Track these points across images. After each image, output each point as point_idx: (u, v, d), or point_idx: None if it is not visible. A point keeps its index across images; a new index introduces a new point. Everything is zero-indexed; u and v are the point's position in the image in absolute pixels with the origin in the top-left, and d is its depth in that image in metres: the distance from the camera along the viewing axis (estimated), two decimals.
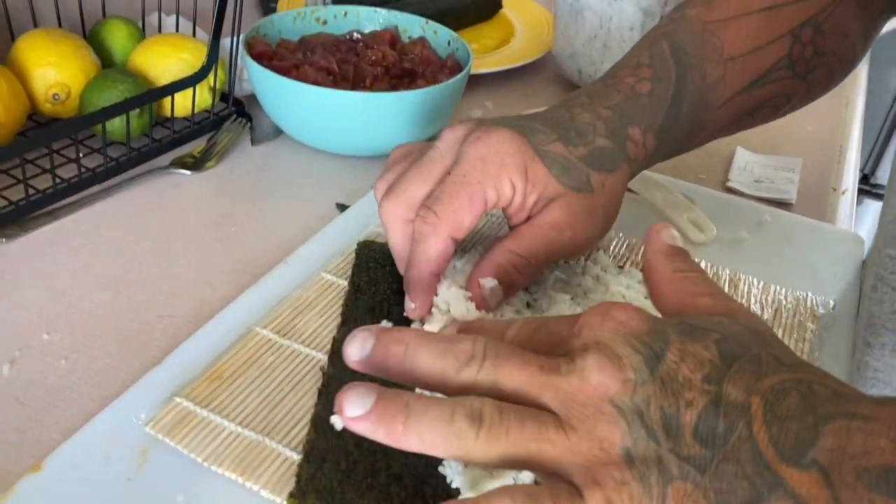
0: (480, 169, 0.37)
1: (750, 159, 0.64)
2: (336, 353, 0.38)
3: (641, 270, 0.33)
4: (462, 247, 0.44)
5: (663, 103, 0.41)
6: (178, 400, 0.35)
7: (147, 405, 0.35)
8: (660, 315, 0.31)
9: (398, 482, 0.32)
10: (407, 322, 0.39)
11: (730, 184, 0.61)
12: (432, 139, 0.41)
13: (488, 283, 0.37)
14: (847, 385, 0.26)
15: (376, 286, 0.42)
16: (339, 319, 0.41)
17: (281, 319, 0.40)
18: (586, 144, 0.39)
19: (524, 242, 0.38)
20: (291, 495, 0.31)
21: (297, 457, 0.33)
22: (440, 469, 0.32)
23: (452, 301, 0.37)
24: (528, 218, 0.38)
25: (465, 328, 0.32)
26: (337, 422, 0.27)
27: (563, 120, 0.40)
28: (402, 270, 0.40)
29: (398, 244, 0.39)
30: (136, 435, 0.34)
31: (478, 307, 0.37)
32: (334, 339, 0.39)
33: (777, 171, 0.62)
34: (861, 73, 0.88)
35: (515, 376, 0.27)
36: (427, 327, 0.38)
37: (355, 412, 0.26)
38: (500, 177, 0.37)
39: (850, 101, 0.78)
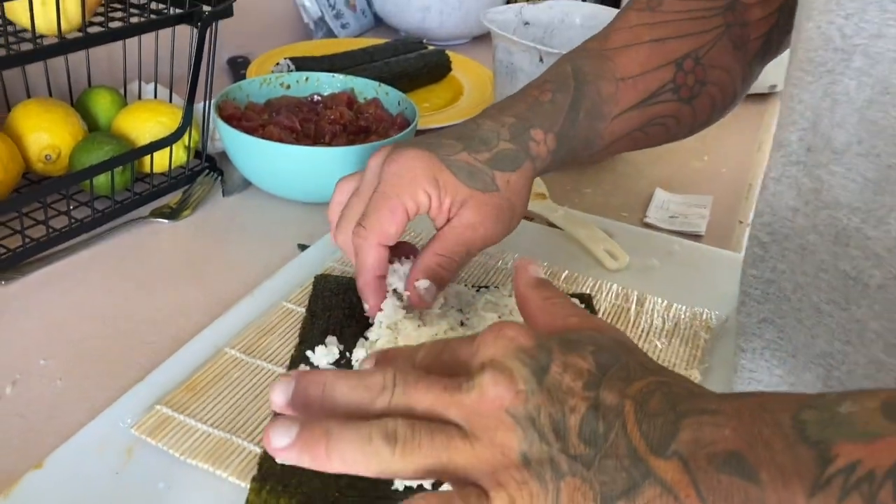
0: (396, 184, 0.44)
1: (667, 198, 0.72)
2: (292, 367, 0.45)
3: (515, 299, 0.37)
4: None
5: (562, 109, 0.48)
6: (158, 407, 0.42)
7: (132, 412, 0.41)
8: None
9: None
10: (355, 341, 0.46)
11: (647, 220, 0.69)
12: None
13: (422, 284, 0.44)
14: (698, 385, 0.30)
15: (330, 312, 0.49)
16: (297, 340, 0.48)
17: (247, 341, 0.47)
18: (490, 150, 0.46)
19: (447, 244, 0.45)
20: (254, 479, 0.38)
21: (258, 450, 0.40)
22: None
23: (388, 310, 0.44)
24: (449, 220, 0.45)
25: (381, 357, 0.35)
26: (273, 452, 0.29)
27: (469, 131, 0.47)
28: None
29: (353, 261, 0.46)
30: (123, 437, 0.40)
31: (416, 305, 0.45)
32: (292, 356, 0.46)
33: (690, 208, 0.71)
34: (774, 118, 0.97)
35: (424, 399, 0.30)
36: (368, 334, 0.45)
37: (281, 443, 0.29)
38: (414, 188, 0.44)
39: (761, 144, 0.88)
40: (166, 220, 0.62)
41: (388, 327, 0.45)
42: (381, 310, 0.45)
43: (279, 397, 0.31)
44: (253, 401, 0.43)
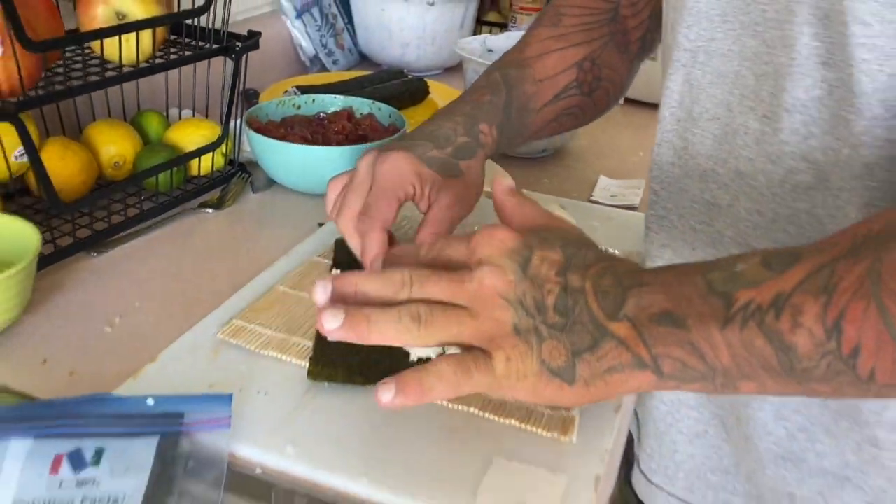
0: (389, 179, 0.55)
1: (608, 182, 0.90)
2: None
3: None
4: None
5: (499, 108, 0.63)
6: (234, 321, 0.57)
7: (215, 325, 0.57)
8: None
9: (372, 348, 0.54)
10: None
11: (592, 198, 0.86)
12: None
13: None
14: (636, 264, 0.42)
15: (350, 258, 0.66)
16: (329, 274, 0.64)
17: (290, 280, 0.63)
18: (452, 144, 0.58)
19: (435, 223, 0.57)
20: (311, 359, 0.53)
21: (310, 343, 0.56)
22: None
23: None
24: (430, 204, 0.58)
25: (389, 258, 0.48)
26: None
27: (433, 132, 0.59)
28: (360, 258, 0.58)
29: (355, 243, 0.57)
30: (211, 341, 0.56)
31: None
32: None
33: (627, 189, 0.88)
34: None
35: (436, 289, 0.40)
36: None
37: (333, 325, 0.40)
38: (402, 182, 0.55)
39: None
40: (211, 210, 0.78)
41: None
42: None
43: (321, 296, 0.41)
44: (302, 315, 0.59)
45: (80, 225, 0.70)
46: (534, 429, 0.49)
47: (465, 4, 1.23)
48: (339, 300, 0.42)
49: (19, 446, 0.45)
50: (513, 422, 0.49)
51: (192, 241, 0.74)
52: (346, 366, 0.53)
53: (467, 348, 0.40)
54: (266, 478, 0.46)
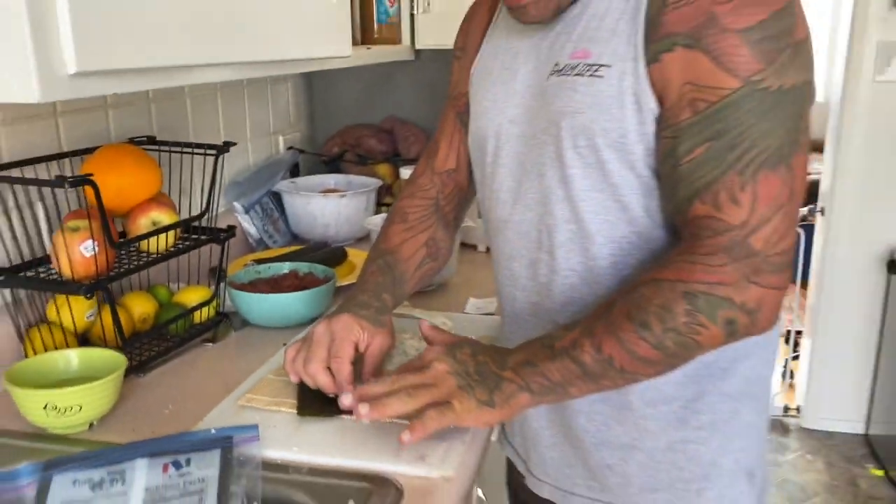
0: (344, 331, 0.87)
1: (475, 301, 1.34)
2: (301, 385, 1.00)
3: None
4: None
5: (389, 284, 1.00)
6: (247, 395, 0.95)
7: (233, 400, 0.95)
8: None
9: (327, 397, 0.92)
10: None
11: (465, 311, 1.30)
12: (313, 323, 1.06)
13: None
14: (508, 348, 0.80)
15: (311, 395, 1.05)
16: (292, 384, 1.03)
17: (274, 373, 1.02)
18: (374, 307, 0.92)
19: (372, 359, 0.95)
20: (297, 407, 0.92)
21: (293, 401, 0.94)
22: None
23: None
24: (368, 345, 0.91)
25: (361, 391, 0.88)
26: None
27: (359, 301, 0.92)
28: (328, 388, 0.91)
29: (326, 380, 0.91)
30: (234, 407, 0.93)
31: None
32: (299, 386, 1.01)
33: (487, 303, 1.32)
34: None
35: (414, 379, 0.78)
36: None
37: (364, 410, 0.77)
38: (351, 333, 0.88)
39: None
40: (209, 344, 1.17)
41: None
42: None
43: (348, 399, 0.81)
44: (284, 389, 0.97)
45: (132, 357, 1.07)
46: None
47: (367, 195, 1.70)
48: (360, 399, 0.80)
49: (142, 461, 0.81)
50: None
51: (201, 362, 1.12)
52: (317, 407, 0.92)
53: (436, 404, 0.78)
54: (283, 464, 0.84)
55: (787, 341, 3.17)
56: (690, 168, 0.73)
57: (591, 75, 0.78)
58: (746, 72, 0.70)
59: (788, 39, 0.71)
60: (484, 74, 0.93)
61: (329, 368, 0.88)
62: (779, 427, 2.93)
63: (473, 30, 1.00)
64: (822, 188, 2.75)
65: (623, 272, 0.82)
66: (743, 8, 0.70)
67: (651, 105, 0.75)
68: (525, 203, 0.87)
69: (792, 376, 3.05)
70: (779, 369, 3.12)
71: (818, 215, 2.75)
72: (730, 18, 0.70)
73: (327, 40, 1.19)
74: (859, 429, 2.82)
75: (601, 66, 0.77)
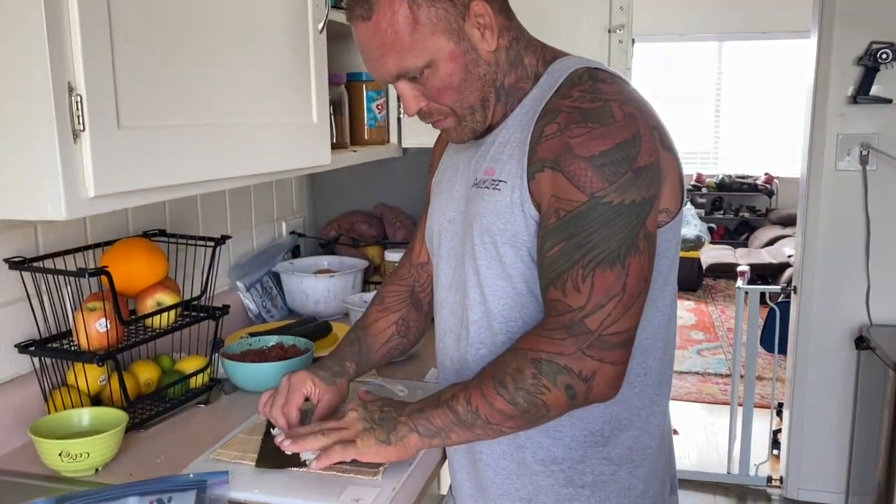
0: (297, 385, 1.13)
1: (436, 371, 1.54)
2: (264, 439, 1.20)
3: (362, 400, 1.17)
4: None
5: (355, 353, 1.24)
6: (218, 450, 1.16)
7: (209, 453, 1.16)
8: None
9: (286, 455, 1.13)
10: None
11: (425, 380, 1.50)
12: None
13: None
14: (410, 402, 1.07)
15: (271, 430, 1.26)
16: (260, 438, 1.24)
17: (245, 431, 1.23)
18: (330, 371, 1.19)
19: (321, 408, 1.18)
20: (257, 460, 1.12)
21: (255, 455, 1.15)
22: None
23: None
24: (319, 400, 1.18)
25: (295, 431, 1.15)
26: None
27: (323, 364, 1.17)
28: (281, 425, 1.18)
29: (282, 422, 1.16)
30: (209, 460, 1.14)
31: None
32: (262, 438, 1.22)
33: None
34: None
35: (331, 424, 1.02)
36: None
37: (288, 443, 1.03)
38: (303, 386, 1.13)
39: None
40: (203, 405, 1.38)
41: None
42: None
43: (280, 438, 1.05)
44: (250, 443, 1.18)
45: (135, 415, 1.29)
46: (359, 476, 1.08)
47: (354, 275, 1.93)
48: (289, 437, 1.04)
49: (133, 499, 1.02)
50: (351, 475, 1.08)
51: (193, 421, 1.33)
52: (273, 460, 1.12)
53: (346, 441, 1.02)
54: (247, 502, 1.04)
55: (778, 413, 3.30)
56: (550, 261, 0.92)
57: (493, 189, 1.00)
58: (591, 189, 0.89)
59: (630, 165, 0.89)
60: (437, 183, 1.18)
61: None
62: (762, 497, 3.03)
63: (437, 150, 1.26)
64: (794, 268, 2.93)
65: None
66: (591, 140, 0.90)
67: (532, 212, 0.97)
68: (454, 287, 1.10)
69: (778, 447, 3.17)
70: (765, 440, 3.24)
71: (792, 293, 2.91)
72: (580, 148, 0.90)
73: (312, 152, 1.43)
74: (840, 500, 2.91)
75: (500, 181, 1.00)
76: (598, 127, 0.90)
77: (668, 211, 0.98)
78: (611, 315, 0.90)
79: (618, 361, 0.92)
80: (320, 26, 1.36)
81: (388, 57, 0.98)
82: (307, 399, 1.15)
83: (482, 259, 1.02)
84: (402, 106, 1.05)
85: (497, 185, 1.00)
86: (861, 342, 2.72)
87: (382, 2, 0.95)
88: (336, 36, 1.70)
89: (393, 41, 0.96)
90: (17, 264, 1.19)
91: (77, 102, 0.89)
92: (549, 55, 1.05)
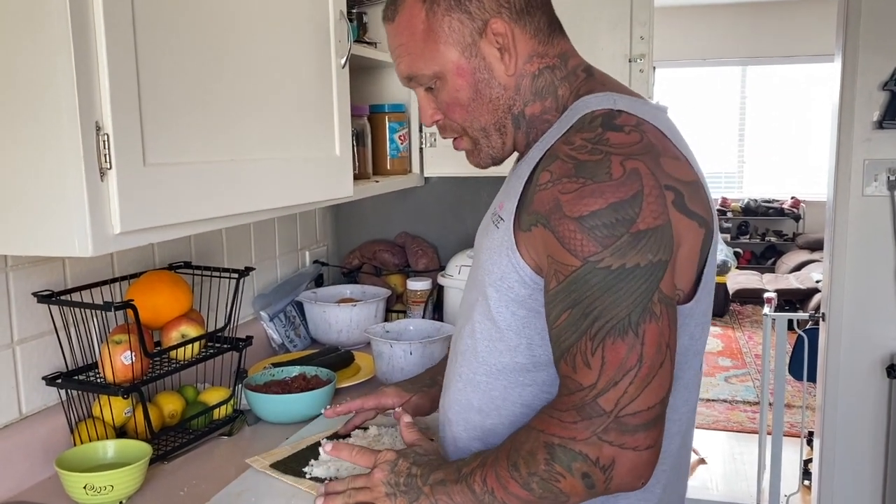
0: (381, 392, 1.25)
1: None
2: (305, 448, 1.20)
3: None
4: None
5: (437, 370, 1.28)
6: (250, 461, 1.16)
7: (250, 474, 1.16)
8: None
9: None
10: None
11: None
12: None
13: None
14: (442, 458, 1.04)
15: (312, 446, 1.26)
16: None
17: (270, 459, 1.23)
18: (422, 382, 1.25)
19: (410, 408, 1.22)
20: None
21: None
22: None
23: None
24: (409, 399, 1.23)
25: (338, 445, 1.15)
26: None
27: (419, 377, 1.27)
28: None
29: (341, 408, 1.25)
30: (231, 496, 1.14)
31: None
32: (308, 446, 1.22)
33: None
34: None
35: (360, 482, 0.99)
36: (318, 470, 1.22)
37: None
38: (386, 396, 1.24)
39: None
40: (226, 437, 1.39)
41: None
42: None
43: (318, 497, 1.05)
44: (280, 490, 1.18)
45: (159, 447, 1.30)
46: None
47: (377, 304, 1.94)
48: (325, 491, 1.03)
49: None
50: None
51: (216, 452, 1.33)
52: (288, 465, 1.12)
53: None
54: None
55: (808, 443, 3.23)
56: (558, 332, 0.84)
57: (495, 225, 0.96)
58: (584, 253, 0.80)
59: (627, 228, 0.79)
60: None
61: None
62: None
63: None
64: (823, 295, 2.88)
65: (496, 392, 0.98)
66: (581, 198, 0.80)
67: (519, 263, 0.90)
68: (462, 312, 1.08)
69: (809, 478, 3.10)
70: (796, 470, 3.17)
71: (821, 320, 2.87)
72: (568, 206, 0.81)
73: (335, 185, 1.44)
74: None
75: (501, 219, 0.94)
76: (589, 183, 0.80)
77: (680, 292, 0.87)
78: (627, 392, 0.79)
79: (642, 446, 0.80)
80: (343, 61, 1.38)
81: (402, 58, 1.00)
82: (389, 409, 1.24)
83: (475, 293, 1.00)
84: (420, 115, 1.06)
85: (498, 222, 0.95)
86: (892, 370, 2.66)
87: (405, 5, 0.98)
88: (359, 69, 1.73)
89: (407, 44, 0.98)
90: (45, 298, 1.21)
91: (104, 141, 0.91)
92: (586, 88, 0.95)
